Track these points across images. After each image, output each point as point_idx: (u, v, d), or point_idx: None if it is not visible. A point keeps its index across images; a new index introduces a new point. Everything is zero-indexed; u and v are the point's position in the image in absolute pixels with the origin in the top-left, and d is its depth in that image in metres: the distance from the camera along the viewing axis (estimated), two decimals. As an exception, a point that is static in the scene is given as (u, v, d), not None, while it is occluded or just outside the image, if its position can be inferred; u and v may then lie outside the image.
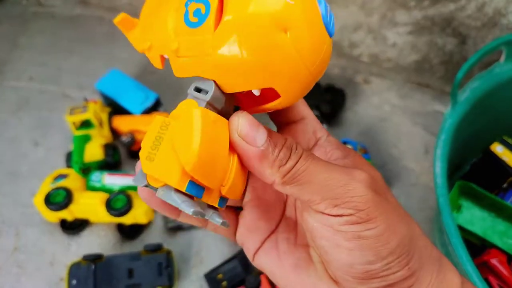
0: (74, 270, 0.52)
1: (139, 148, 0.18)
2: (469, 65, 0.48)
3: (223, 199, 0.19)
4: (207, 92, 0.18)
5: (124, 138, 0.61)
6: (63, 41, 0.77)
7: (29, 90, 0.71)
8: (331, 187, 0.18)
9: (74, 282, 0.52)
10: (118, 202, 0.54)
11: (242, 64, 0.17)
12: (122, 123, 0.62)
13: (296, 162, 0.18)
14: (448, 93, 0.60)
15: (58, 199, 0.53)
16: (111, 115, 0.64)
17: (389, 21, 0.66)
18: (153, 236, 0.58)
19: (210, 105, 0.18)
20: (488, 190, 0.53)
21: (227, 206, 0.21)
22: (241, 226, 0.23)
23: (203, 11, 0.17)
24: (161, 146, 0.17)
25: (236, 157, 0.19)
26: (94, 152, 0.60)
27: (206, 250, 0.57)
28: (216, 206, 0.19)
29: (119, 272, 0.52)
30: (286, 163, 0.18)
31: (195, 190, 0.17)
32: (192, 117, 0.17)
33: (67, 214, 0.55)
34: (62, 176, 0.57)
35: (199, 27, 0.17)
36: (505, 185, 0.55)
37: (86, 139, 0.59)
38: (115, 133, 0.64)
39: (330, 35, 0.18)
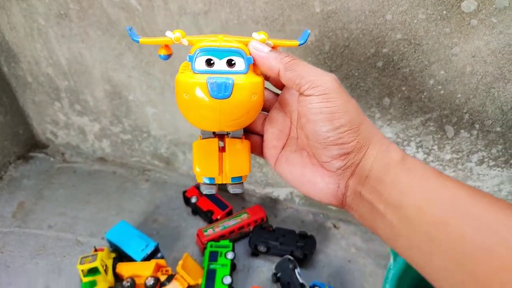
0: None
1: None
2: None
3: (235, 178, 0.35)
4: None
5: (125, 283, 0.70)
6: (81, 193, 0.92)
7: (47, 237, 0.83)
8: (313, 76, 0.29)
9: None
10: None
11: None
12: (125, 269, 0.73)
13: (292, 59, 0.30)
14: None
15: None
16: (115, 260, 0.75)
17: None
18: None
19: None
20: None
21: (256, 135, 0.37)
22: (264, 147, 0.36)
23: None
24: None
25: (228, 156, 0.34)
26: (98, 297, 0.69)
27: None
28: (230, 182, 0.35)
29: None
30: (284, 57, 0.31)
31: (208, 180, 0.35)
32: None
33: None
34: (68, 321, 0.65)
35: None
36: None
37: (92, 285, 0.69)
38: (118, 277, 0.74)
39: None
